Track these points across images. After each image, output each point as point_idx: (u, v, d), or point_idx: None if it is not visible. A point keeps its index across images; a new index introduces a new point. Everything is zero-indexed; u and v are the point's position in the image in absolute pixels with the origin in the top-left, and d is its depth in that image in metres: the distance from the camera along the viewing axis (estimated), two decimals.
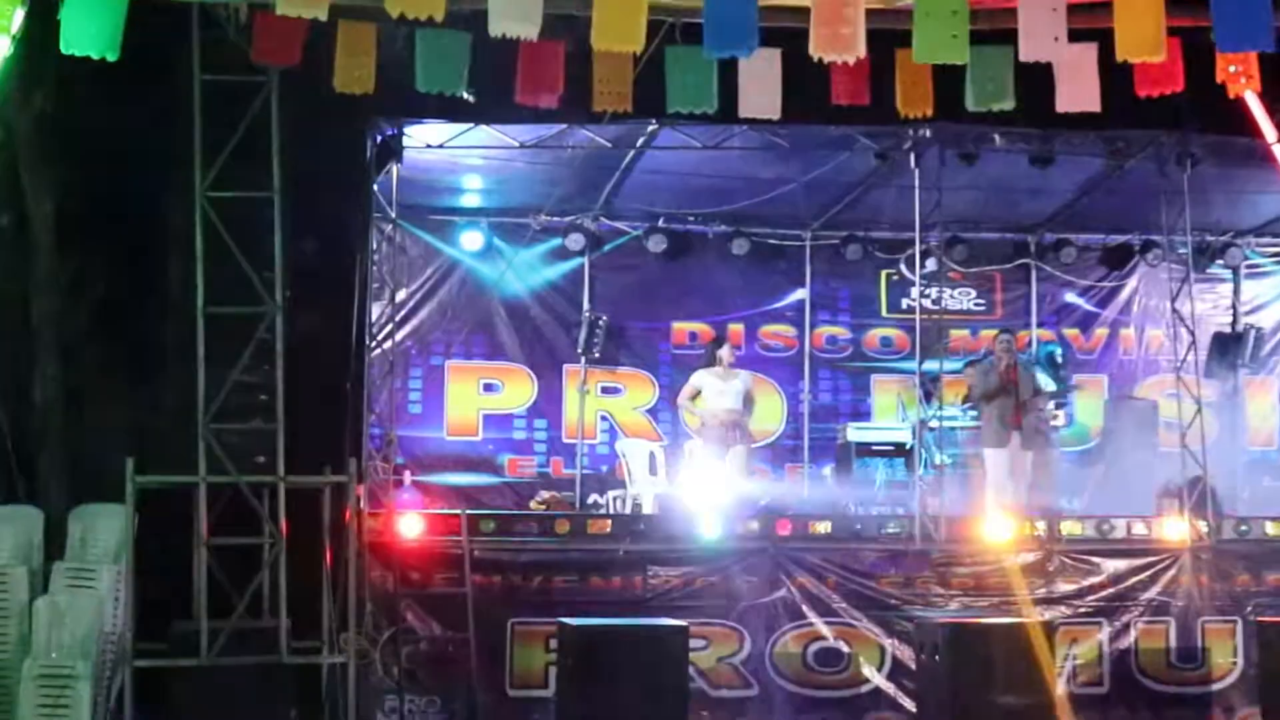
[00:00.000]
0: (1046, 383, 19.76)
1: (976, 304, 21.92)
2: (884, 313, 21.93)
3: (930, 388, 19.03)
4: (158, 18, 12.77)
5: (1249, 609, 16.88)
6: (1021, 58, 10.75)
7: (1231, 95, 12.44)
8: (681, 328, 21.28)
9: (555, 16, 10.87)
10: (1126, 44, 10.53)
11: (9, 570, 14.46)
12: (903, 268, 20.48)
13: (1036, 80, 11.42)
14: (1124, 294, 22.18)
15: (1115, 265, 21.94)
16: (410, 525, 15.89)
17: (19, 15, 11.48)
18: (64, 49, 10.98)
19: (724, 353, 18.46)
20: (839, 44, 10.30)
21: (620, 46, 10.35)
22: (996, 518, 17.17)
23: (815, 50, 10.43)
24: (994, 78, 11.27)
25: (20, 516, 15.14)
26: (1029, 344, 21.77)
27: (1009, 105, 11.51)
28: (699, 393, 18.38)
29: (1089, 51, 11.13)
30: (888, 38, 11.08)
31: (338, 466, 14.33)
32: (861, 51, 10.51)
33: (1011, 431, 18.06)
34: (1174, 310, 18.50)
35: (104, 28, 10.83)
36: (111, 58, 10.99)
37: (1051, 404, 19.70)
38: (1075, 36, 10.93)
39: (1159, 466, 19.27)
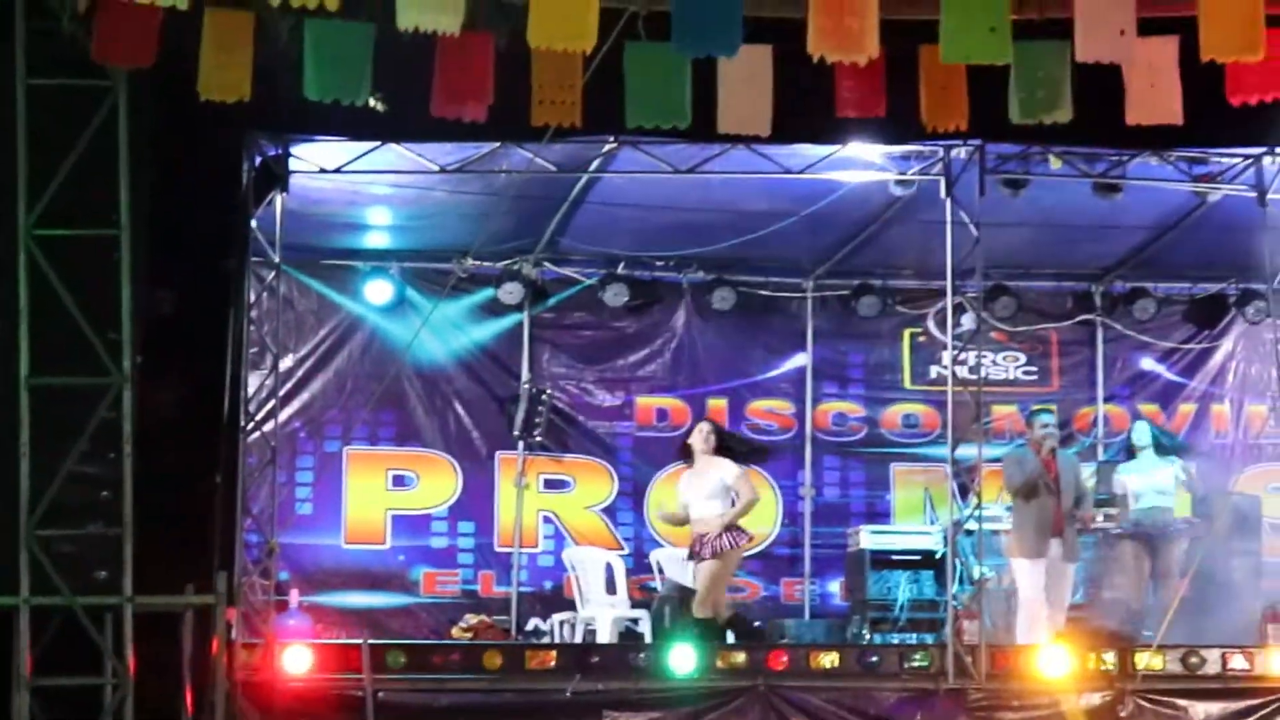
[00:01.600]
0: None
1: (1027, 372, 21.94)
2: (908, 384, 21.94)
3: (967, 480, 19.06)
4: None
5: None
6: (1080, 57, 10.76)
7: None
8: (647, 404, 21.28)
9: (484, 5, 10.87)
10: (1214, 39, 10.57)
11: None
12: (931, 326, 20.49)
13: (1101, 86, 11.45)
14: (1216, 359, 22.19)
15: (1205, 322, 21.93)
16: (296, 660, 15.81)
17: None
18: None
19: (695, 439, 18.28)
20: (845, 40, 10.34)
21: (566, 45, 10.35)
22: (1050, 648, 17.20)
23: (815, 48, 10.46)
24: (1045, 82, 11.30)
25: None
26: (1093, 425, 21.78)
27: (1065, 117, 11.53)
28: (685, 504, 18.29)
29: (1167, 48, 11.15)
30: (909, 32, 11.09)
31: (202, 584, 14.25)
32: (874, 50, 10.53)
33: (1050, 539, 18.02)
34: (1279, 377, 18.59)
35: None
36: None
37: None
38: (1149, 29, 10.94)
39: (1265, 581, 19.31)
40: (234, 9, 11.20)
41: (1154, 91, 11.40)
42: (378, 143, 16.43)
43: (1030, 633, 17.74)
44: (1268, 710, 16.83)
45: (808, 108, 11.72)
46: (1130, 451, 20.12)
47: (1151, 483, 19.47)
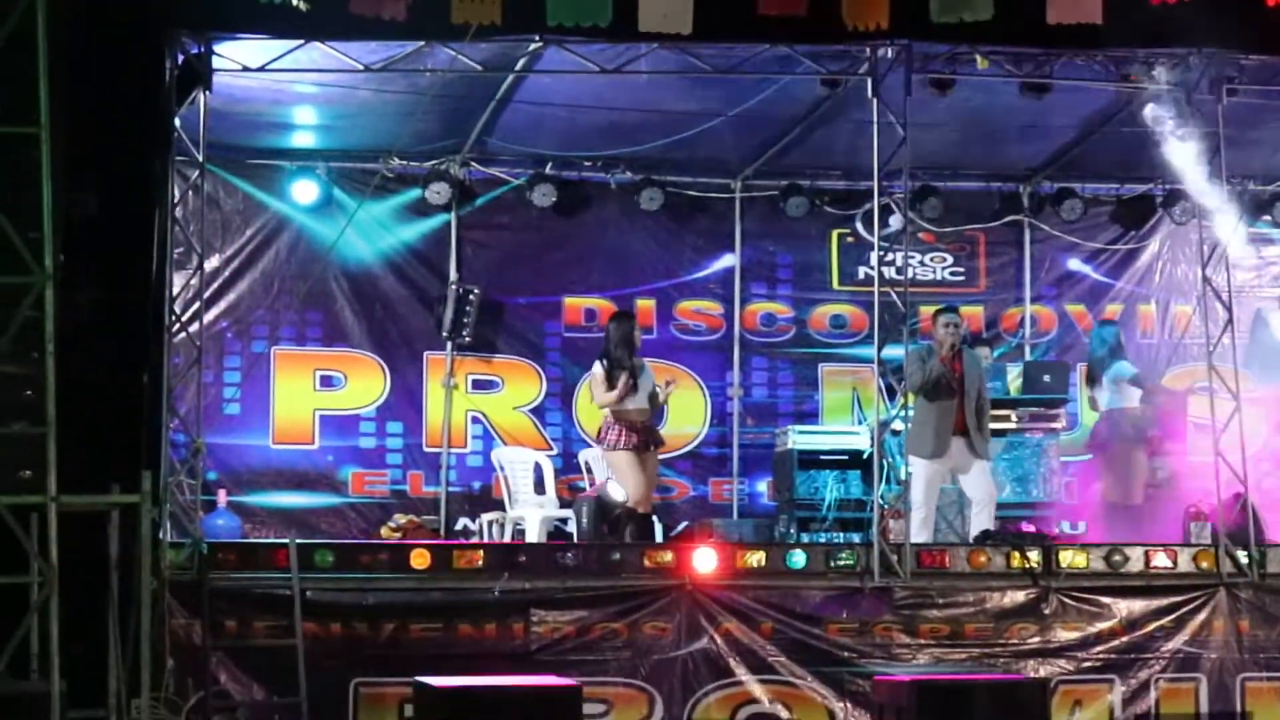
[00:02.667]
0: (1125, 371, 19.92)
1: (954, 273, 22.01)
2: (835, 285, 21.98)
3: (894, 381, 19.11)
4: None
5: None
6: None
7: (1273, 3, 12.55)
8: (575, 304, 21.27)
9: None
10: None
11: None
12: (859, 227, 20.51)
13: None
14: (1143, 259, 22.27)
15: (1132, 223, 22.03)
16: (224, 559, 15.82)
17: None
18: None
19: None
20: None
21: None
22: (973, 546, 17.31)
23: None
24: None
25: None
26: (1019, 327, 21.87)
27: (986, 15, 11.58)
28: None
29: None
30: None
31: (128, 484, 14.23)
32: None
33: (951, 439, 18.13)
34: (1206, 280, 18.59)
35: None
36: None
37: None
38: None
39: (1187, 480, 19.41)
40: None
41: None
42: (301, 40, 16.31)
43: (925, 530, 17.92)
44: (1189, 607, 16.97)
45: (730, 5, 11.67)
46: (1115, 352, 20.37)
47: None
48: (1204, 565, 17.19)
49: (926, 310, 20.78)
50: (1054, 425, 20.59)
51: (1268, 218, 21.78)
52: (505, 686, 14.99)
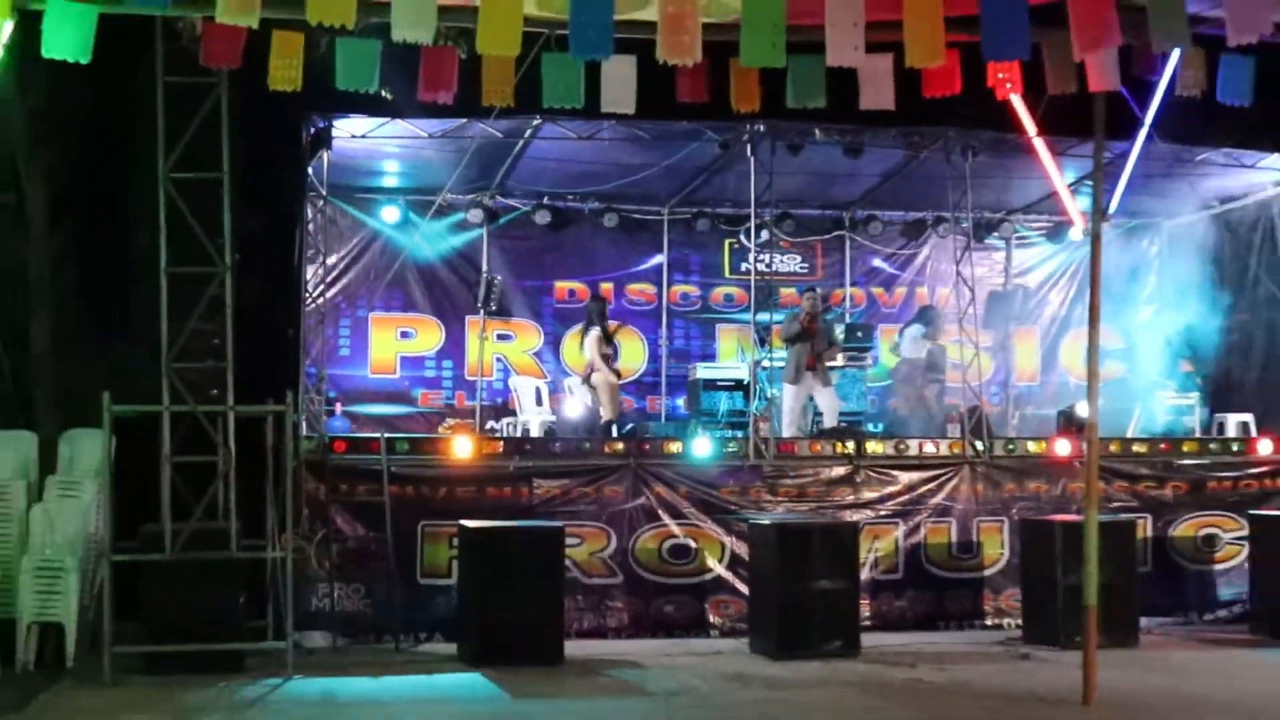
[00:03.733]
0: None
1: (801, 267, 21.93)
2: (727, 274, 21.86)
3: (763, 335, 19.25)
4: (128, 30, 12.74)
5: (1014, 511, 17.22)
6: (829, 64, 10.71)
7: (999, 98, 12.54)
8: (562, 286, 21.17)
9: (450, 29, 10.82)
10: (914, 53, 10.52)
11: (10, 484, 14.71)
12: (742, 238, 20.49)
13: (845, 84, 11.42)
14: (919, 260, 22.26)
15: (912, 236, 22.00)
16: (339, 446, 15.82)
17: (8, 27, 11.33)
18: (44, 54, 10.84)
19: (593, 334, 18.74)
20: (681, 50, 10.27)
21: (501, 52, 10.26)
22: (813, 439, 17.39)
23: (661, 55, 10.39)
24: (808, 80, 11.27)
25: (19, 440, 15.36)
26: (843, 301, 21.89)
27: (820, 103, 11.50)
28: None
29: (885, 60, 11.10)
30: (722, 48, 11.03)
31: (279, 398, 14.22)
32: (699, 56, 10.48)
33: (804, 372, 18.29)
34: (958, 273, 18.68)
35: (77, 37, 10.71)
36: (84, 61, 10.87)
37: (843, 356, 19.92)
38: (873, 48, 10.90)
39: (948, 399, 19.51)
40: (289, 29, 11.05)
41: (877, 88, 11.36)
42: (388, 118, 16.36)
43: (789, 430, 17.92)
44: (945, 477, 17.12)
45: (660, 92, 11.64)
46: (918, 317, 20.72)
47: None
48: (955, 451, 17.29)
49: (785, 291, 20.87)
50: (864, 364, 20.65)
51: (996, 233, 21.79)
52: (516, 526, 15.14)
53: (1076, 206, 18.21)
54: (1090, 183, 13.66)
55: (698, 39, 10.34)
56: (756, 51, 10.44)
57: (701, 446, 16.64)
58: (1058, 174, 16.86)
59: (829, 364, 18.97)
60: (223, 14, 9.83)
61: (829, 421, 18.38)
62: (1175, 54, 12.14)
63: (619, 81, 11.12)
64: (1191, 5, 10.92)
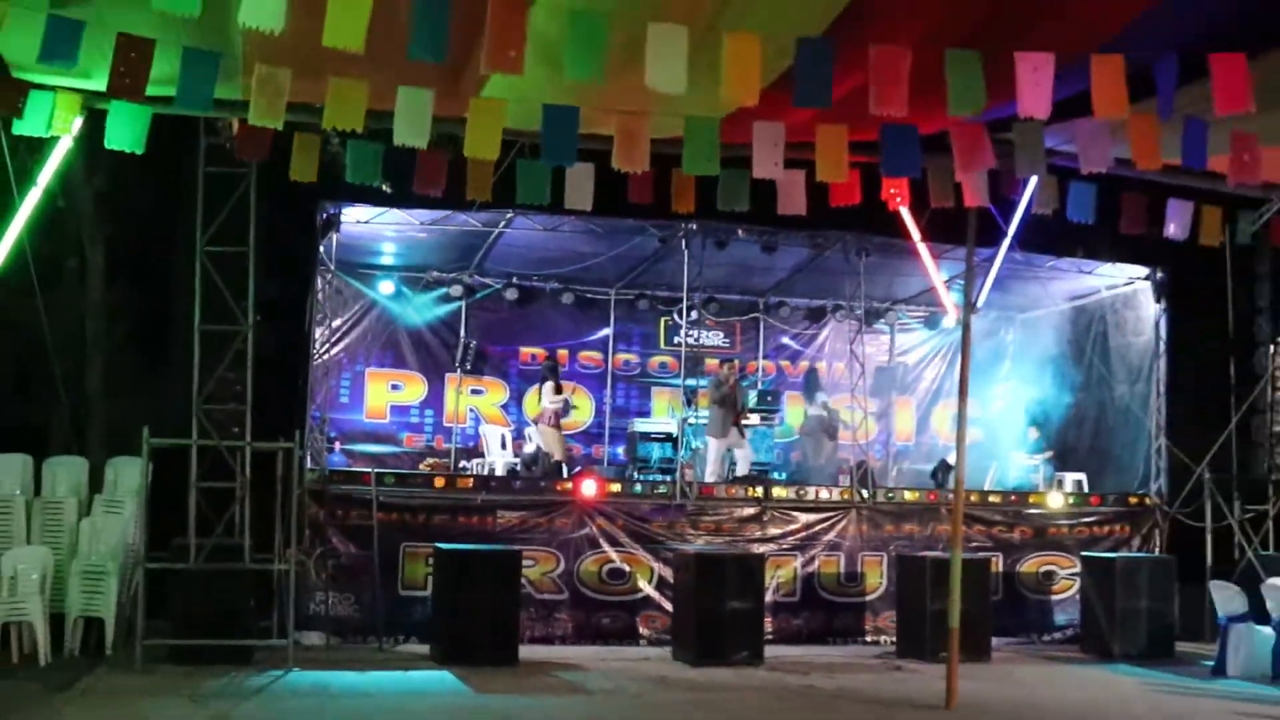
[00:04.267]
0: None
1: (723, 341, 21.81)
2: (662, 345, 21.64)
3: (690, 397, 19.19)
4: (177, 128, 12.72)
5: (891, 547, 17.15)
6: (754, 175, 10.75)
7: (891, 209, 12.62)
8: (526, 351, 20.93)
9: (442, 135, 10.78)
10: (823, 170, 10.62)
11: (65, 500, 14.76)
12: (675, 316, 20.31)
13: (765, 193, 11.46)
14: (820, 339, 22.16)
15: (814, 319, 21.93)
16: (336, 478, 15.68)
17: (78, 121, 11.30)
18: (107, 145, 10.80)
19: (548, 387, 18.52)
20: (633, 161, 10.32)
21: (483, 156, 10.24)
22: (730, 484, 17.32)
23: (616, 164, 10.44)
24: (734, 188, 11.31)
25: (73, 465, 15.33)
26: (756, 371, 21.85)
27: (745, 207, 11.54)
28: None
29: (798, 175, 11.18)
30: (666, 159, 11.06)
31: (288, 437, 14.11)
32: (646, 165, 10.50)
33: (729, 428, 18.20)
34: (851, 351, 18.74)
35: (134, 132, 10.75)
36: (139, 151, 10.88)
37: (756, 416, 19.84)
38: (790, 164, 10.95)
39: (841, 454, 19.49)
40: (308, 132, 11.02)
41: (792, 197, 11.44)
42: (386, 208, 16.25)
43: (712, 475, 17.85)
44: (836, 518, 17.05)
45: (612, 193, 11.63)
46: (811, 389, 20.68)
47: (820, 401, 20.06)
48: (844, 497, 17.26)
49: (710, 361, 20.83)
50: (772, 423, 20.56)
51: (882, 320, 21.83)
52: (482, 549, 14.97)
53: (950, 299, 18.28)
54: (962, 280, 13.67)
55: (646, 151, 10.37)
56: (696, 162, 10.49)
57: (636, 487, 16.54)
58: (936, 272, 16.94)
59: (744, 423, 18.89)
60: (254, 117, 9.78)
61: (742, 470, 18.30)
62: (1034, 179, 12.26)
63: (579, 184, 11.14)
64: (1049, 140, 11.04)
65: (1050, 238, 17.15)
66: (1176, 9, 9.03)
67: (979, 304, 14.12)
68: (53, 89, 10.90)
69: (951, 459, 15.84)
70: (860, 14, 9.29)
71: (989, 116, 10.59)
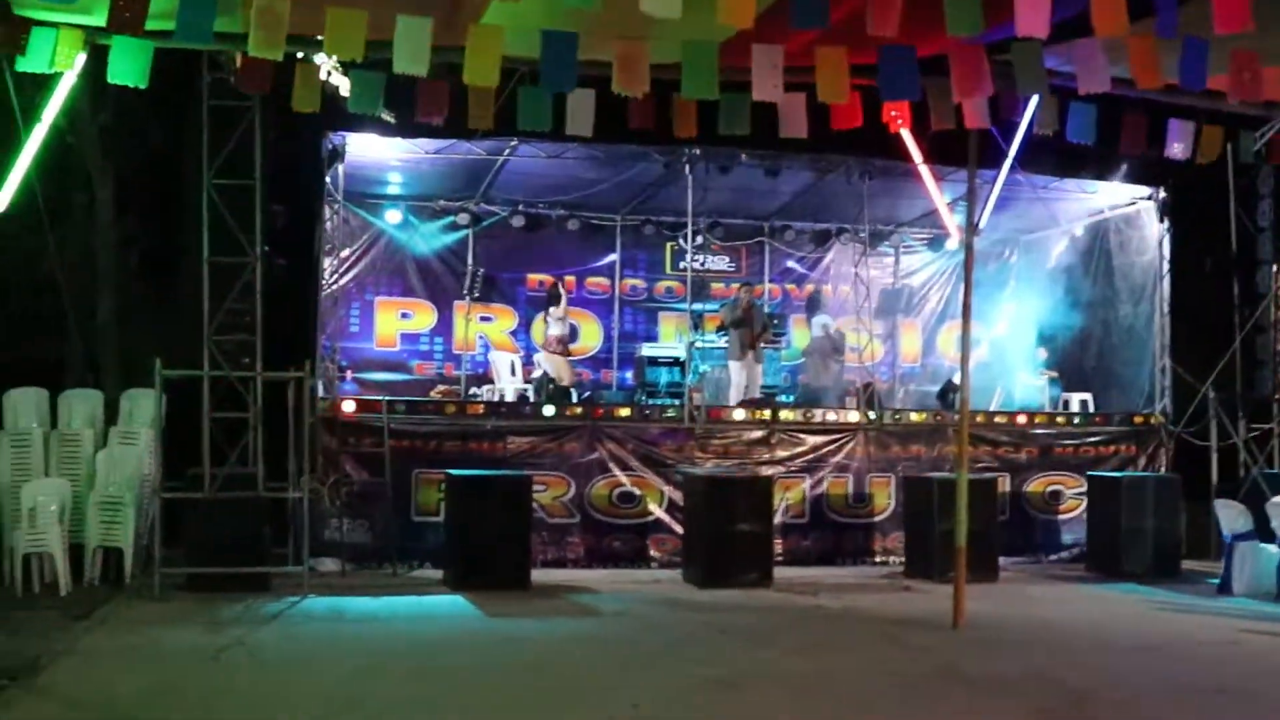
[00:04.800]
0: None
1: (729, 266, 21.82)
2: (668, 271, 21.63)
3: (697, 321, 19.24)
4: (180, 62, 12.69)
5: (899, 468, 17.24)
6: (754, 99, 10.70)
7: (892, 131, 12.55)
8: (534, 277, 20.91)
9: (442, 64, 10.72)
10: (823, 92, 10.57)
11: (81, 432, 14.92)
12: (681, 241, 20.22)
13: (767, 117, 11.39)
14: (824, 262, 22.11)
15: (819, 243, 21.87)
16: (349, 406, 15.75)
17: (81, 57, 11.25)
18: (109, 80, 10.77)
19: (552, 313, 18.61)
20: (632, 83, 10.28)
21: (483, 83, 10.22)
22: (738, 408, 17.33)
23: (616, 87, 10.42)
24: (735, 113, 11.25)
25: (89, 397, 15.50)
26: (762, 295, 21.82)
27: (746, 131, 11.48)
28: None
29: (799, 97, 11.10)
30: (666, 85, 11.00)
31: (299, 365, 14.20)
32: (646, 87, 10.47)
33: (747, 350, 18.21)
34: (856, 274, 18.74)
35: (136, 67, 10.66)
36: (142, 86, 10.82)
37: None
38: (790, 88, 10.90)
39: (848, 375, 19.50)
40: (308, 64, 10.97)
41: (793, 120, 11.35)
42: (392, 136, 16.19)
43: (735, 398, 17.86)
44: (844, 439, 17.14)
45: (614, 120, 11.57)
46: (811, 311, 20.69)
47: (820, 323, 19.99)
48: (852, 418, 17.31)
49: (715, 285, 20.87)
50: (779, 346, 20.60)
51: (887, 242, 21.78)
52: (493, 475, 15.07)
53: (953, 222, 18.21)
54: (965, 202, 13.62)
55: (646, 75, 10.34)
56: (695, 87, 10.46)
57: (646, 410, 16.61)
58: (939, 195, 16.88)
59: (763, 345, 18.89)
60: (254, 49, 9.75)
61: (752, 392, 18.35)
62: (1034, 100, 12.20)
63: (580, 110, 11.07)
64: (1048, 61, 10.96)
65: (1053, 159, 17.12)
66: None
67: (981, 225, 14.08)
68: (55, 25, 10.81)
69: (957, 379, 15.87)
70: None
71: (988, 38, 10.51)
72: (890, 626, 12.65)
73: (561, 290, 18.90)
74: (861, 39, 9.88)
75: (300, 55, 11.12)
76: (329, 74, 12.00)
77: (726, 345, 18.71)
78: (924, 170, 15.27)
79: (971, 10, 9.30)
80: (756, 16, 9.78)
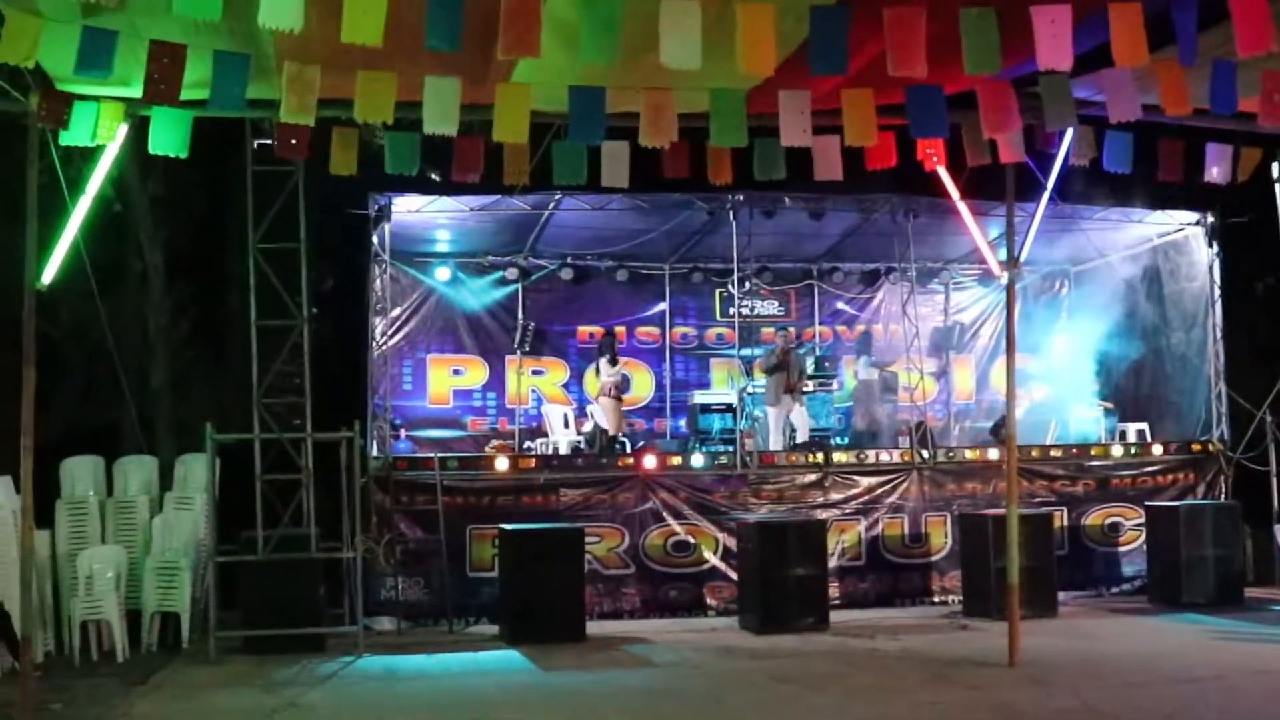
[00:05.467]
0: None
1: (778, 310, 21.78)
2: (718, 317, 21.62)
3: (748, 367, 19.20)
4: (226, 130, 12.91)
5: (954, 507, 17.09)
6: (783, 144, 10.72)
7: (927, 169, 12.53)
8: (584, 330, 20.99)
9: (476, 123, 10.82)
10: (851, 134, 10.60)
11: (137, 499, 15.09)
12: (730, 287, 20.22)
13: (804, 160, 11.41)
14: (874, 302, 22.06)
15: (868, 283, 21.85)
16: (401, 464, 15.81)
17: (123, 129, 11.43)
18: (150, 150, 10.95)
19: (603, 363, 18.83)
20: (660, 135, 10.32)
21: (513, 140, 10.30)
22: (786, 453, 17.24)
23: (643, 140, 10.47)
24: (769, 157, 11.29)
25: (143, 464, 15.65)
26: (813, 338, 21.77)
27: (781, 175, 11.51)
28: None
29: (831, 140, 11.12)
30: (700, 133, 11.05)
31: (351, 425, 14.27)
32: (675, 138, 10.50)
33: (784, 395, 18.15)
34: (905, 313, 18.63)
35: (176, 136, 10.86)
36: (183, 155, 11.03)
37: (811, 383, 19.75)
38: (822, 130, 10.91)
39: (900, 415, 19.39)
40: (346, 127, 11.10)
41: (827, 163, 11.38)
42: (437, 195, 16.38)
43: (773, 444, 17.78)
44: (898, 480, 17.02)
45: (654, 169, 11.62)
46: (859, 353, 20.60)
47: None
48: (905, 459, 17.19)
49: (766, 330, 20.88)
50: (831, 389, 20.52)
51: (936, 280, 21.71)
52: (546, 528, 15.08)
53: (996, 257, 18.07)
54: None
55: (674, 126, 10.39)
56: (724, 134, 10.49)
57: (697, 459, 16.56)
58: (979, 231, 16.77)
59: (802, 389, 18.86)
60: (285, 115, 9.88)
61: (801, 437, 18.28)
62: (1069, 131, 12.15)
63: (614, 162, 11.15)
64: (1078, 91, 10.93)
65: (1095, 189, 17.01)
66: None
67: (1022, 258, 13.99)
68: (96, 99, 11.01)
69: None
70: None
71: (1016, 73, 10.50)
72: (946, 667, 12.53)
73: (614, 341, 19.04)
74: (889, 79, 9.86)
75: (342, 119, 11.26)
76: (376, 135, 12.13)
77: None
78: (962, 206, 15.17)
79: (989, 49, 9.29)
80: (781, 64, 9.83)
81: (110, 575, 13.72)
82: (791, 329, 19.94)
